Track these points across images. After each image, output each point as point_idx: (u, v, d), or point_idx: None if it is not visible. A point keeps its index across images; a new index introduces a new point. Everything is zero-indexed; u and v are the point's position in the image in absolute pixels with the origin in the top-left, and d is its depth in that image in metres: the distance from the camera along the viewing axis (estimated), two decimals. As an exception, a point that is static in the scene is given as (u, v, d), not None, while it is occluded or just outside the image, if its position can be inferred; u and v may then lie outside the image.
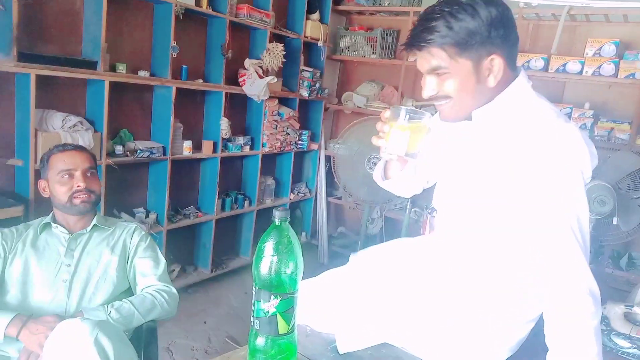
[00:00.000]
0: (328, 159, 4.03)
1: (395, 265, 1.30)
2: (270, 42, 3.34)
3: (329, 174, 4.05)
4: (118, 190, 2.74)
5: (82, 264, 1.50)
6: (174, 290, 1.57)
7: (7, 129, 2.28)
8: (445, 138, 1.32)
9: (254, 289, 0.88)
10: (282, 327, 0.87)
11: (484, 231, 1.18)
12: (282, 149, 3.66)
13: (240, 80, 3.23)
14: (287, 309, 0.87)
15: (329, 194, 4.18)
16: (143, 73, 2.68)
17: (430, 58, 1.07)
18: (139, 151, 2.69)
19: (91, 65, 2.43)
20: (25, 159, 2.21)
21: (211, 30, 3.11)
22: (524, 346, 1.21)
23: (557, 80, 3.34)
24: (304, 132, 3.88)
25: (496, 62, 1.08)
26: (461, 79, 1.08)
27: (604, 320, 1.35)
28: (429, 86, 1.12)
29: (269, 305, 0.86)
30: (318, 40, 3.74)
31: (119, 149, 2.63)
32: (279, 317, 0.86)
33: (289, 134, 3.69)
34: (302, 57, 3.71)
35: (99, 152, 2.48)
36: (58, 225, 1.53)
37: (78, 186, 1.49)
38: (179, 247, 3.19)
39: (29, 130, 2.20)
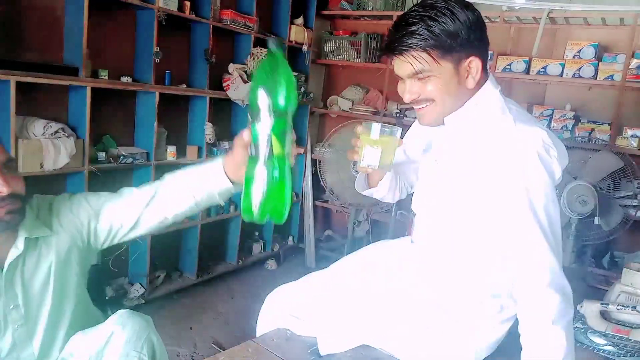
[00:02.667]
0: (314, 162, 4.03)
1: (374, 268, 1.31)
2: (254, 47, 3.34)
3: (315, 177, 4.06)
4: (101, 197, 2.73)
5: (31, 293, 1.16)
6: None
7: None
8: (422, 144, 1.34)
9: (249, 116, 0.92)
10: (276, 147, 0.90)
11: (458, 233, 1.20)
12: (267, 153, 3.65)
13: (224, 85, 3.23)
14: (280, 131, 0.90)
15: (315, 198, 4.18)
16: (126, 79, 2.67)
17: (413, 62, 1.09)
18: (122, 157, 2.68)
19: (73, 71, 2.41)
20: (6, 167, 2.19)
21: (194, 35, 3.11)
22: (501, 346, 1.23)
23: (539, 82, 3.38)
24: (290, 136, 3.88)
25: (474, 64, 1.11)
26: (443, 81, 1.10)
27: (581, 318, 1.37)
28: (411, 90, 1.13)
29: (264, 124, 0.90)
30: (302, 44, 3.75)
31: (101, 155, 2.61)
32: (273, 137, 0.89)
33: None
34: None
35: (82, 158, 2.47)
36: None
37: None
38: (164, 253, 3.18)
39: (10, 138, 2.18)
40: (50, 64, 2.37)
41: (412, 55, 1.08)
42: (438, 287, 1.21)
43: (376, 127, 1.11)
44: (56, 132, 2.36)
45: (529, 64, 3.26)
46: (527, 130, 1.06)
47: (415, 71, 1.10)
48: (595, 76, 3.06)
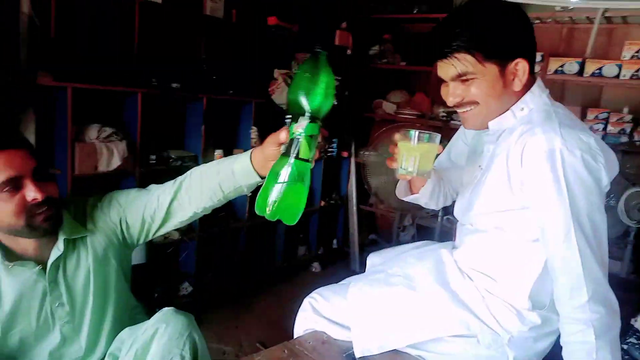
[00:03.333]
0: (359, 166, 4.03)
1: (414, 273, 1.29)
2: (298, 52, 3.38)
3: (360, 181, 4.05)
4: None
5: (74, 292, 1.22)
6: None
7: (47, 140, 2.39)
8: (467, 150, 1.32)
9: (288, 119, 0.95)
10: (304, 152, 0.93)
11: (499, 240, 1.17)
12: (312, 156, 3.68)
13: (270, 89, 3.29)
14: (311, 134, 0.93)
15: (360, 202, 4.17)
16: (175, 85, 2.77)
17: (457, 64, 1.07)
18: (172, 160, 2.78)
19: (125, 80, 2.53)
20: (64, 169, 2.32)
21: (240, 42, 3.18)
22: (545, 359, 1.19)
23: (593, 84, 3.23)
24: (334, 139, 3.90)
25: (521, 66, 1.08)
26: (488, 84, 1.08)
27: (636, 333, 1.30)
28: (455, 92, 1.12)
29: (298, 126, 0.93)
30: (347, 47, 3.76)
31: (152, 157, 2.72)
32: (303, 141, 0.93)
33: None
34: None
35: (133, 160, 2.58)
36: (13, 263, 1.14)
37: (34, 200, 1.09)
38: (212, 254, 3.26)
39: (67, 141, 2.30)
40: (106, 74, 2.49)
41: (456, 57, 1.07)
42: (478, 296, 1.18)
43: (414, 134, 1.10)
44: (109, 135, 2.47)
45: (582, 65, 3.12)
46: (573, 135, 1.02)
47: (459, 73, 1.08)
48: (655, 77, 2.90)
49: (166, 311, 1.22)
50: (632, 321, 1.35)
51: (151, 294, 1.79)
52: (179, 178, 1.25)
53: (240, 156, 1.15)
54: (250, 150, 1.13)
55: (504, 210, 1.13)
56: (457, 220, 1.34)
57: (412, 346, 1.19)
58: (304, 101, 0.92)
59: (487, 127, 1.16)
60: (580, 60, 3.12)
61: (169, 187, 1.25)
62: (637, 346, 1.32)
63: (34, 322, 1.18)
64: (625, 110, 3.11)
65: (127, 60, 2.55)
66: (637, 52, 2.98)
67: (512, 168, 1.09)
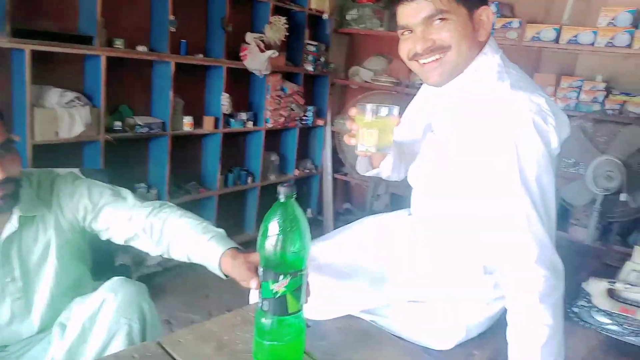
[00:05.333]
0: (334, 134, 3.99)
1: (369, 239, 1.28)
2: (272, 15, 3.28)
3: (335, 150, 4.02)
4: (118, 166, 2.76)
5: (28, 268, 1.20)
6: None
7: (4, 105, 2.31)
8: (425, 118, 1.29)
9: (260, 269, 0.86)
10: (291, 306, 0.86)
11: (452, 205, 1.15)
12: (286, 124, 3.64)
13: (241, 54, 3.20)
14: (296, 288, 0.85)
15: (335, 170, 4.15)
16: (141, 48, 2.67)
17: (428, 2, 1.02)
18: (137, 127, 2.71)
19: (87, 40, 2.43)
20: (22, 135, 2.24)
21: (211, 3, 3.07)
22: (495, 323, 1.19)
23: (569, 52, 3.21)
24: (309, 107, 3.84)
25: (486, 14, 1.06)
26: (461, 25, 1.04)
27: (586, 296, 1.31)
28: (426, 37, 1.05)
29: (279, 285, 0.84)
30: (323, 12, 3.67)
31: (117, 124, 2.64)
32: (288, 296, 0.85)
33: (293, 110, 3.65)
34: (307, 31, 3.64)
35: (97, 127, 2.50)
36: None
37: None
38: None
39: (25, 106, 2.22)
40: (65, 33, 2.39)
41: None
42: (431, 261, 1.18)
43: (370, 108, 1.04)
44: (71, 100, 2.39)
45: (559, 33, 3.08)
46: (524, 95, 0.99)
47: (432, 13, 1.02)
48: (630, 45, 2.87)
49: (116, 280, 1.19)
50: (583, 284, 1.36)
51: (110, 263, 1.76)
52: (152, 212, 1.22)
53: (214, 240, 1.11)
54: (221, 252, 1.08)
55: (456, 174, 1.11)
56: (412, 186, 1.32)
57: (366, 311, 1.19)
58: (281, 257, 0.84)
59: (450, 80, 1.12)
60: (557, 27, 3.08)
61: (142, 216, 1.22)
62: (586, 308, 1.33)
63: None
64: (599, 78, 3.10)
65: (89, 21, 2.44)
66: (612, 19, 2.95)
67: (464, 131, 1.07)
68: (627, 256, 1.62)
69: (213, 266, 1.10)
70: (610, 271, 1.66)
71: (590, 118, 2.91)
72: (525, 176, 0.97)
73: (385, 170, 1.29)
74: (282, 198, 0.84)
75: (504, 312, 1.12)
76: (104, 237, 1.28)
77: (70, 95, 2.38)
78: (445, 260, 1.17)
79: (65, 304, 1.24)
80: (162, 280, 2.90)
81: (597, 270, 1.62)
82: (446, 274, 1.16)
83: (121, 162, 2.79)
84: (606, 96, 3.02)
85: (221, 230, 1.16)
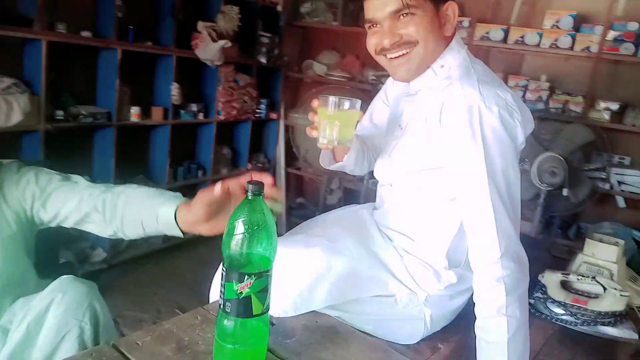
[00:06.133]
0: (287, 128, 3.95)
1: (334, 234, 1.26)
2: (225, 4, 3.19)
3: (289, 144, 3.98)
4: (60, 158, 2.60)
5: None
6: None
7: None
8: (388, 113, 1.28)
9: (223, 269, 0.81)
10: (256, 307, 0.81)
11: (417, 199, 1.16)
12: (238, 117, 3.56)
13: (193, 43, 3.10)
14: (261, 289, 0.81)
15: (288, 165, 4.12)
16: (86, 33, 2.53)
17: None
18: (81, 116, 2.56)
19: (27, 22, 2.27)
20: (-48, 122, 2.07)
21: (161, -11, 2.95)
22: (459, 316, 1.21)
23: (516, 51, 3.33)
24: (263, 100, 3.78)
25: (451, 10, 1.07)
26: (428, 20, 1.04)
27: (542, 288, 1.36)
28: (393, 31, 1.05)
29: (243, 286, 0.80)
30: (277, 4, 3.61)
31: (59, 113, 2.49)
32: (253, 297, 0.80)
33: (246, 102, 3.58)
34: (260, 22, 3.58)
35: (38, 116, 2.34)
36: None
37: None
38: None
39: (-45, 91, 2.04)
40: (2, 14, 2.21)
41: None
42: (395, 255, 1.18)
43: (333, 100, 1.03)
44: (8, 87, 2.22)
45: (507, 33, 3.19)
46: (490, 91, 1.01)
47: (397, 8, 1.03)
48: (572, 47, 3.02)
49: (64, 279, 1.11)
50: (540, 277, 1.41)
51: (55, 260, 1.64)
52: (106, 190, 1.14)
53: (167, 200, 1.04)
54: (176, 203, 1.02)
55: (423, 169, 1.11)
56: (377, 181, 1.31)
57: (331, 307, 1.17)
58: (246, 257, 0.80)
59: (416, 76, 1.12)
60: (505, 27, 3.18)
61: (94, 195, 1.13)
62: (542, 300, 1.38)
63: None
64: (543, 78, 3.23)
65: (30, 2, 2.28)
66: (557, 21, 3.09)
67: (431, 126, 1.07)
68: (573, 249, 1.69)
69: (169, 223, 1.03)
70: (558, 263, 1.74)
71: (535, 116, 3.02)
72: (492, 169, 0.98)
73: (349, 164, 1.27)
74: (249, 196, 0.80)
75: (467, 304, 1.13)
76: (53, 224, 1.19)
77: (8, 81, 2.22)
78: (410, 254, 1.17)
79: (7, 304, 1.15)
80: (108, 277, 2.76)
81: (547, 262, 1.69)
82: (411, 268, 1.16)
83: (63, 153, 2.63)
84: (550, 95, 3.16)
85: (177, 193, 1.10)
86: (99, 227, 1.15)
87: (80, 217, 1.15)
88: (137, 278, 2.85)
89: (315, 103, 1.06)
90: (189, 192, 3.33)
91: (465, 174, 1.01)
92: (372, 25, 1.09)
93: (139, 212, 1.08)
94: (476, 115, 0.99)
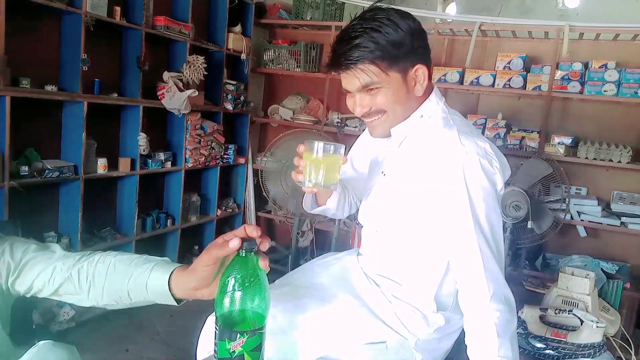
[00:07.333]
0: (256, 172, 3.96)
1: (321, 283, 1.27)
2: (190, 54, 3.24)
3: (258, 188, 3.98)
4: (25, 214, 2.52)
5: None
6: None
7: None
8: (369, 158, 1.33)
9: (216, 327, 0.80)
10: None
11: (403, 245, 1.19)
12: (206, 163, 3.55)
13: (159, 93, 3.10)
14: (254, 347, 0.80)
15: (258, 208, 4.11)
16: (50, 87, 2.50)
17: (361, 75, 1.08)
18: (47, 171, 2.49)
19: (-11, 79, 2.23)
20: None
21: (126, 42, 2.96)
22: (448, 357, 1.22)
23: (472, 92, 3.50)
24: (230, 146, 3.80)
25: (421, 72, 1.12)
26: (393, 91, 1.10)
27: (522, 324, 1.40)
28: (362, 103, 1.12)
29: (235, 344, 0.78)
30: (241, 52, 3.69)
31: (24, 169, 2.42)
32: (246, 356, 0.79)
33: (214, 149, 3.59)
34: (226, 70, 3.63)
35: (1, 173, 2.28)
36: None
37: None
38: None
39: None
40: (-37, 71, 2.17)
41: (360, 69, 1.08)
42: (384, 301, 1.19)
43: (319, 145, 1.07)
44: (-30, 145, 2.16)
45: (462, 75, 3.36)
46: (471, 141, 1.07)
47: (365, 84, 1.09)
48: (524, 86, 3.21)
49: (41, 346, 1.05)
50: (519, 313, 1.45)
51: (28, 323, 1.55)
52: (83, 258, 1.08)
53: (157, 266, 0.98)
54: (171, 268, 0.96)
55: (408, 215, 1.15)
56: (362, 226, 1.34)
57: (323, 358, 1.16)
58: (239, 315, 0.80)
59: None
60: (460, 69, 3.36)
61: (68, 264, 1.07)
62: (523, 335, 1.42)
63: None
64: (500, 116, 3.40)
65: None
66: (508, 63, 3.28)
67: (415, 174, 1.12)
68: (544, 281, 1.75)
69: (161, 292, 0.97)
70: (533, 296, 1.79)
71: (495, 152, 3.16)
72: (476, 215, 1.03)
73: (331, 207, 1.31)
74: (242, 253, 0.80)
75: (457, 345, 1.16)
76: (28, 295, 1.12)
77: (-31, 138, 2.15)
78: (398, 299, 1.19)
79: None
80: (77, 336, 2.64)
81: (522, 296, 1.74)
82: (399, 313, 1.18)
83: (28, 210, 2.55)
84: (507, 132, 3.32)
85: (165, 258, 1.04)
86: (76, 298, 1.09)
87: (54, 288, 1.08)
88: (107, 334, 2.74)
89: (301, 148, 1.09)
90: (158, 242, 3.25)
91: (451, 221, 1.06)
92: (348, 92, 1.16)
93: (123, 281, 1.01)
94: (459, 165, 1.04)
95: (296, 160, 1.11)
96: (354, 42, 1.06)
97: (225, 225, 4.01)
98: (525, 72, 3.21)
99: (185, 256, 3.57)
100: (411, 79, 1.11)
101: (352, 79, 1.10)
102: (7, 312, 1.18)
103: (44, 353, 1.03)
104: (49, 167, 2.51)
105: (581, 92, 3.08)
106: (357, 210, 1.39)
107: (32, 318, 1.66)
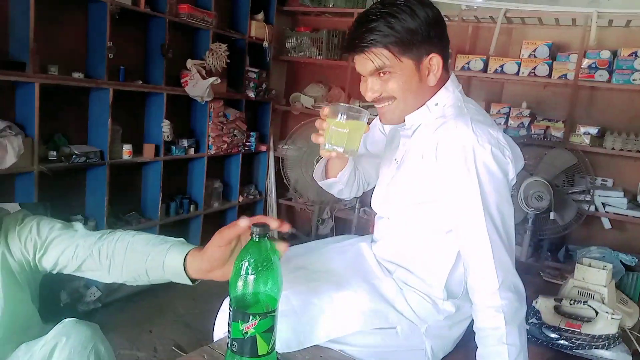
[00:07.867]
0: (277, 160, 4.00)
1: (333, 268, 1.29)
2: (213, 42, 3.27)
3: (279, 175, 4.02)
4: (54, 198, 2.61)
5: None
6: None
7: None
8: (384, 141, 1.33)
9: (230, 309, 0.84)
10: (261, 348, 0.83)
11: (415, 232, 1.20)
12: (229, 150, 3.60)
13: (182, 81, 3.16)
14: (266, 329, 0.83)
15: (279, 196, 4.15)
16: (77, 75, 2.57)
17: (374, 58, 1.08)
18: (74, 156, 2.57)
19: (19, 66, 2.30)
20: (-54, 167, 2.07)
21: (150, 30, 3.01)
22: (459, 344, 1.24)
23: (496, 80, 3.45)
24: (252, 133, 3.83)
25: (435, 61, 1.12)
26: (405, 78, 1.10)
27: (536, 314, 1.39)
28: (373, 88, 1.13)
29: (248, 326, 0.82)
30: (263, 40, 3.71)
31: (52, 154, 2.50)
32: (258, 337, 0.82)
33: (236, 136, 3.63)
34: (248, 58, 3.66)
35: (31, 158, 2.36)
36: None
37: None
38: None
39: (-50, 136, 2.06)
40: (-6, 59, 2.25)
41: (373, 52, 1.08)
42: (395, 287, 1.21)
43: (344, 108, 1.06)
44: (2, 130, 2.24)
45: (486, 63, 3.31)
46: (483, 130, 1.07)
47: (376, 68, 1.10)
48: (549, 75, 3.14)
49: (67, 322, 1.11)
50: (534, 303, 1.45)
51: (57, 302, 1.62)
52: (104, 237, 1.13)
53: (172, 247, 1.03)
54: (184, 250, 1.00)
55: (419, 203, 1.16)
56: (375, 213, 1.36)
57: (334, 341, 1.19)
58: (252, 297, 0.83)
59: (404, 122, 1.19)
60: (484, 57, 3.31)
61: (90, 242, 1.12)
62: (537, 325, 1.41)
63: None
64: (524, 105, 3.35)
65: (22, 47, 2.32)
66: (533, 51, 3.22)
67: (427, 162, 1.12)
68: (563, 272, 1.74)
69: (177, 272, 1.02)
70: (550, 287, 1.78)
71: (518, 142, 3.12)
72: (487, 204, 1.03)
73: (341, 181, 1.31)
74: (255, 237, 0.83)
75: (467, 333, 1.17)
76: (54, 271, 1.19)
77: (1, 124, 2.23)
78: (409, 286, 1.21)
79: (10, 351, 1.14)
80: (102, 317, 2.74)
81: (539, 287, 1.73)
82: (410, 300, 1.19)
83: (57, 193, 2.64)
84: (531, 122, 3.27)
85: (181, 239, 1.08)
86: (97, 274, 1.15)
87: (77, 264, 1.14)
88: (131, 316, 2.82)
89: (325, 110, 1.10)
90: (181, 227, 3.34)
91: (461, 209, 1.06)
92: (362, 75, 1.17)
93: (142, 260, 1.06)
94: (471, 153, 1.04)
95: (318, 123, 1.12)
96: (369, 25, 1.07)
97: (247, 211, 4.07)
98: (551, 60, 3.14)
99: (207, 240, 3.63)
100: (425, 68, 1.11)
101: (365, 62, 1.10)
102: (36, 287, 1.25)
103: (68, 329, 1.09)
104: (76, 152, 2.59)
105: (609, 81, 3.00)
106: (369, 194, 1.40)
107: (60, 298, 1.73)
